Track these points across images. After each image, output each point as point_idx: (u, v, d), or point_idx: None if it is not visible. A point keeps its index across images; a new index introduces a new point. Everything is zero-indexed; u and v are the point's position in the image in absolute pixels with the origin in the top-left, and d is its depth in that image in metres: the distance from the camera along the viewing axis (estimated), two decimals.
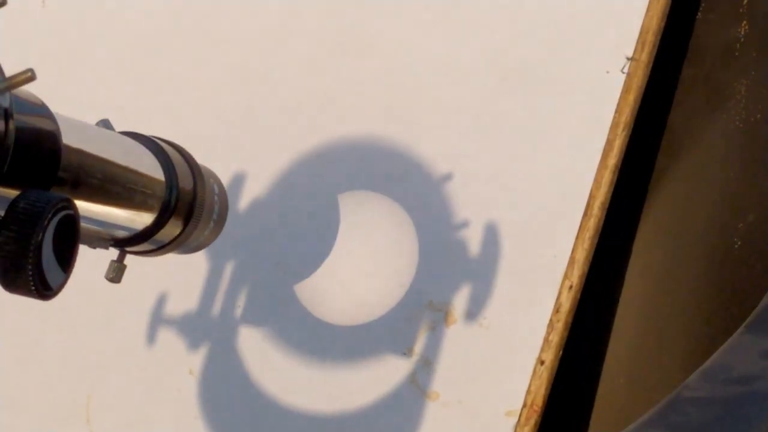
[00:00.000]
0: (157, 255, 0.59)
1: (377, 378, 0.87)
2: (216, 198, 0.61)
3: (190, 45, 0.95)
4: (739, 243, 0.80)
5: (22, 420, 0.94)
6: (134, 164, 0.53)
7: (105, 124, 0.57)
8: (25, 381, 0.94)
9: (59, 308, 0.94)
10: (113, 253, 0.58)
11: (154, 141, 0.57)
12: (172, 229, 0.56)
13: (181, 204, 0.56)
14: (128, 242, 0.56)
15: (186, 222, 0.57)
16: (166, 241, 0.57)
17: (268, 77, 0.93)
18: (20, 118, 0.39)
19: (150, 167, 0.55)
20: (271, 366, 0.89)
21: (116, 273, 0.58)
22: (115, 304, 0.93)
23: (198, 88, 0.94)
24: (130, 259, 0.91)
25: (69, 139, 0.44)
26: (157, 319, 0.92)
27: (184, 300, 0.91)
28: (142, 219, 0.55)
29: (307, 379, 0.88)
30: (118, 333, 0.93)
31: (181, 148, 0.59)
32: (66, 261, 0.41)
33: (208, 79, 0.94)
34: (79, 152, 0.45)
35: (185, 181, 0.57)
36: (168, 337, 0.91)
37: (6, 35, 0.93)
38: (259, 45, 0.94)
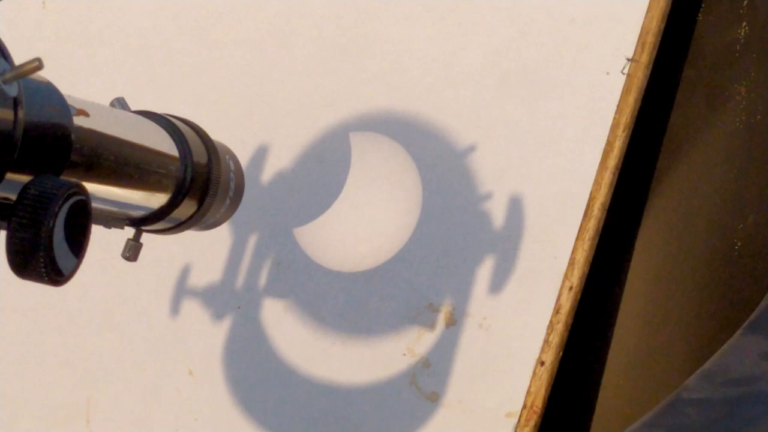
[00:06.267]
0: (173, 233, 0.59)
1: (377, 378, 0.87)
2: (232, 174, 0.61)
3: (191, 42, 0.95)
4: (739, 244, 0.80)
5: (22, 420, 0.94)
6: (148, 144, 0.53)
7: (120, 102, 0.57)
8: (26, 381, 0.94)
9: (59, 309, 0.94)
10: (124, 237, 0.58)
11: (167, 119, 0.57)
12: (188, 206, 0.56)
13: (197, 182, 0.56)
14: (144, 221, 0.56)
15: (202, 199, 0.57)
16: (183, 219, 0.57)
17: (272, 77, 0.93)
18: (30, 105, 0.39)
19: (164, 146, 0.55)
20: (270, 367, 0.89)
21: (132, 252, 0.58)
22: (114, 305, 0.93)
23: (201, 87, 0.94)
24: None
25: (81, 120, 0.44)
26: (158, 319, 0.92)
27: (184, 300, 0.91)
28: (158, 198, 0.54)
29: (307, 380, 0.88)
30: (118, 333, 0.93)
31: (196, 125, 0.59)
32: (78, 246, 0.41)
33: (210, 77, 0.94)
34: (91, 134, 0.45)
35: (200, 159, 0.57)
36: (168, 338, 0.91)
37: (6, 35, 0.93)
38: (266, 41, 0.94)
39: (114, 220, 0.54)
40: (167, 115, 0.57)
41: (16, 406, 0.94)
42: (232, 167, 0.61)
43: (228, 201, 0.60)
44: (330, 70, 0.92)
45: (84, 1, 0.97)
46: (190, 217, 0.58)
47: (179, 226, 0.58)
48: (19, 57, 0.40)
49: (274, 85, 0.93)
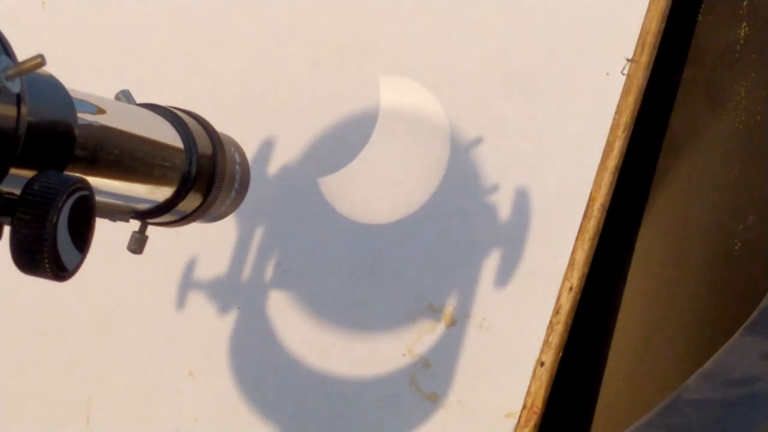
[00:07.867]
0: (179, 225, 0.59)
1: (377, 378, 0.87)
2: (237, 167, 0.60)
3: (192, 41, 0.95)
4: (738, 245, 0.80)
5: (22, 421, 0.94)
6: (153, 136, 0.53)
7: (125, 95, 0.57)
8: (26, 382, 0.94)
9: (59, 309, 0.94)
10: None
11: (172, 111, 0.57)
12: (193, 199, 0.56)
13: (202, 174, 0.56)
14: (149, 214, 0.56)
15: (207, 192, 0.57)
16: (188, 211, 0.57)
17: (275, 73, 0.93)
18: (33, 101, 0.39)
19: (169, 138, 0.54)
20: (270, 367, 0.89)
21: (138, 244, 0.58)
22: (114, 304, 0.93)
23: (202, 87, 0.94)
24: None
25: (86, 115, 0.44)
26: (157, 319, 0.92)
27: (184, 301, 0.91)
28: (163, 191, 0.54)
29: (306, 380, 0.88)
30: (118, 333, 0.93)
31: (201, 117, 0.59)
32: (82, 242, 0.41)
33: (212, 75, 0.94)
34: (95, 128, 0.45)
35: (205, 151, 0.57)
36: (168, 338, 0.91)
37: (6, 35, 0.93)
38: (269, 38, 0.94)
39: (119, 213, 0.54)
40: (172, 107, 0.57)
41: (16, 406, 0.94)
42: (238, 159, 0.61)
43: (233, 193, 0.60)
44: (331, 68, 0.92)
45: (84, 1, 0.97)
46: (195, 210, 0.58)
47: (184, 219, 0.58)
48: (18, 57, 0.40)
49: (279, 81, 0.93)
